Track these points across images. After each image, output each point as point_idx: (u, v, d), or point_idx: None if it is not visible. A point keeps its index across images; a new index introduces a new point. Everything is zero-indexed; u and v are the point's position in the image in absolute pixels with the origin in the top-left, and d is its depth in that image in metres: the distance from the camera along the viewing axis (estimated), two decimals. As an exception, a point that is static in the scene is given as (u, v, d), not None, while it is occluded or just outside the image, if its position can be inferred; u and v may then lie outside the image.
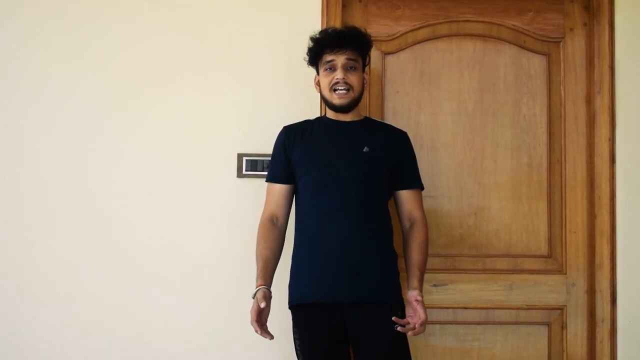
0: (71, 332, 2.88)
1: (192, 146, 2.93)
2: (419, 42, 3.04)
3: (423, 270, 2.58)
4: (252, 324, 2.47)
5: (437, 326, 2.95)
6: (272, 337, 2.50)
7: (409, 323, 2.47)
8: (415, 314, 2.48)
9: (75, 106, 2.94)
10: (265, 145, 2.88)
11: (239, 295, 2.87)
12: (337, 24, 2.91)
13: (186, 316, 2.89)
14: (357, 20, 3.00)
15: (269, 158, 2.84)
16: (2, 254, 2.91)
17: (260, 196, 2.83)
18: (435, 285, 2.94)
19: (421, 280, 2.56)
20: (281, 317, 2.68)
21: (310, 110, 2.89)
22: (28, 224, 2.91)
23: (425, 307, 2.49)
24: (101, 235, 2.91)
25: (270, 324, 2.48)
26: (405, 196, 2.65)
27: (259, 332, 2.48)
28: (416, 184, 2.68)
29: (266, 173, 2.78)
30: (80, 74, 2.95)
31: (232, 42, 2.96)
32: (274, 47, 2.95)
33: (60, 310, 2.89)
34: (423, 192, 2.71)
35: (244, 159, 2.91)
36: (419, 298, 2.49)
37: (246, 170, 2.91)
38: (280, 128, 2.74)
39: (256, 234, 2.66)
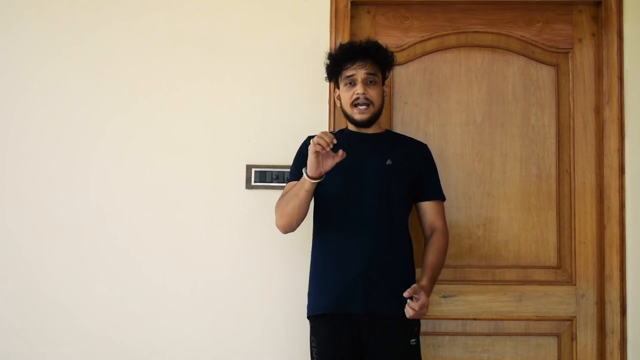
0: (77, 342, 2.88)
1: (201, 157, 2.94)
2: (428, 53, 3.04)
3: (435, 273, 2.57)
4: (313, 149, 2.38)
5: (447, 337, 2.94)
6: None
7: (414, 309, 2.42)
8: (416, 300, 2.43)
9: (81, 115, 2.95)
10: (274, 156, 2.89)
11: (247, 305, 2.87)
12: (346, 35, 2.92)
13: (194, 326, 2.89)
14: (366, 31, 3.00)
15: (278, 169, 2.87)
16: (6, 260, 2.91)
17: (269, 207, 2.83)
18: (444, 297, 2.93)
19: (431, 281, 2.53)
20: (296, 327, 2.66)
21: (320, 121, 2.90)
22: (34, 231, 2.91)
23: (427, 295, 2.45)
24: (108, 245, 2.91)
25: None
26: (427, 207, 2.67)
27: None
28: (438, 196, 2.70)
29: (275, 184, 2.83)
30: (86, 81, 2.95)
31: (241, 52, 2.96)
32: (283, 58, 2.95)
33: (66, 320, 2.89)
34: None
35: (253, 170, 2.91)
36: (423, 283, 2.48)
37: (255, 182, 2.90)
38: (289, 139, 2.76)
39: (265, 246, 2.69)
